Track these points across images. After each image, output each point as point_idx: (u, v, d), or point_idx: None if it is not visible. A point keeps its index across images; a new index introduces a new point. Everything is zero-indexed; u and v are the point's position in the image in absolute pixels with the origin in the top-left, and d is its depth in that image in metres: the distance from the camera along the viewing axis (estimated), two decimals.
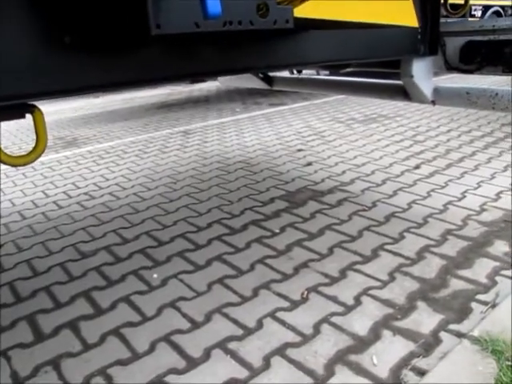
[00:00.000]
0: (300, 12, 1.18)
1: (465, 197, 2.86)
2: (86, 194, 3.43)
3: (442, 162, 3.56)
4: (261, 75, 3.17)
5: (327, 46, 1.67)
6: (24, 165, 1.40)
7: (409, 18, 1.53)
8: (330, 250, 2.33)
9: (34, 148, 1.36)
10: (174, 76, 1.36)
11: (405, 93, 2.43)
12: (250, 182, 3.41)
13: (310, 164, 3.75)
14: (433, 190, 3.00)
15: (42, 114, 1.34)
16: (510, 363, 1.30)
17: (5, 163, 1.34)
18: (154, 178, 3.71)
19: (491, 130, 4.43)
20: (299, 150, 4.18)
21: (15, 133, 5.88)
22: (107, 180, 3.74)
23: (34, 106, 1.32)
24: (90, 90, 1.30)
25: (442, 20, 2.21)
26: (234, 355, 1.65)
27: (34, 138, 1.31)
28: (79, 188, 3.58)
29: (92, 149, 4.83)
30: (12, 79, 1.02)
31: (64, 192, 3.50)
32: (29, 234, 2.78)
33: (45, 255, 2.48)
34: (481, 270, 2.07)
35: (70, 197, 3.39)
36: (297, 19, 1.19)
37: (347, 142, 4.33)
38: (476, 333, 1.49)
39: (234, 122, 5.67)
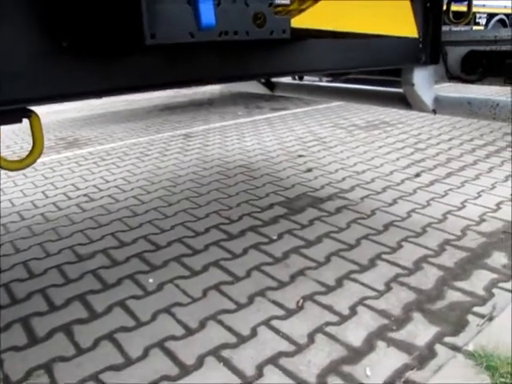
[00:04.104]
0: (297, 22, 1.17)
1: (464, 206, 2.85)
2: (85, 195, 3.44)
3: (443, 170, 3.55)
4: (262, 80, 3.17)
5: (326, 55, 1.67)
6: (20, 169, 1.40)
7: (408, 29, 1.53)
8: (327, 258, 2.32)
9: (30, 152, 1.36)
10: (170, 83, 1.35)
11: (406, 101, 2.42)
12: (249, 188, 3.41)
13: (310, 170, 3.74)
14: (432, 199, 2.99)
15: (38, 118, 1.34)
16: (504, 380, 1.29)
17: (2, 168, 1.34)
18: (153, 180, 3.71)
19: (493, 139, 4.42)
20: (300, 156, 4.17)
21: (17, 132, 5.89)
22: (107, 182, 3.74)
23: (31, 111, 1.32)
24: (86, 96, 1.31)
25: (446, 28, 2.20)
26: (226, 363, 1.64)
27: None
28: (79, 189, 3.58)
29: (93, 150, 4.83)
30: (10, 84, 1.02)
31: (64, 193, 3.50)
32: (27, 235, 2.78)
33: (42, 257, 2.48)
34: (478, 281, 2.05)
35: (70, 198, 3.40)
36: (294, 29, 1.19)
37: (348, 149, 4.32)
38: (471, 347, 1.48)
39: (235, 126, 5.67)
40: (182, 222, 2.85)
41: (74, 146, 5.06)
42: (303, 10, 1.18)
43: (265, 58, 1.48)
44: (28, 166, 1.38)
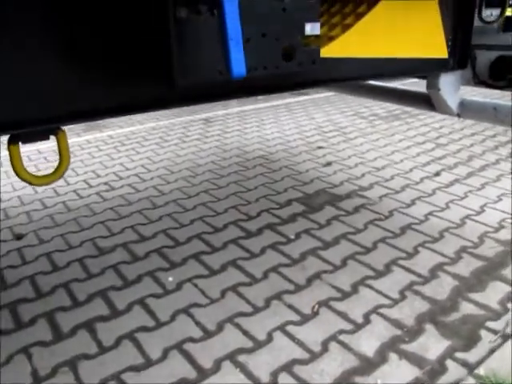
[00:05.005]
0: (326, 52, 1.17)
1: (484, 211, 2.83)
2: (105, 183, 3.50)
3: (464, 169, 3.51)
4: None
5: (354, 67, 1.66)
6: (47, 184, 1.45)
7: (438, 51, 1.50)
8: (344, 262, 2.35)
9: (58, 168, 1.40)
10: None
11: (430, 102, 2.40)
12: (268, 181, 3.43)
13: (329, 164, 3.73)
14: (452, 201, 2.97)
15: (65, 134, 1.38)
16: None
17: (29, 183, 1.39)
18: (173, 169, 3.75)
19: None
20: (319, 148, 4.16)
21: None
22: (127, 169, 3.79)
23: (59, 128, 1.35)
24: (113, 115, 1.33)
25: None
26: (243, 368, 1.70)
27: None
28: (99, 177, 3.65)
29: (113, 134, 4.88)
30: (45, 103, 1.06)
31: (84, 180, 3.57)
32: (49, 224, 2.86)
33: (64, 249, 2.55)
34: (493, 294, 2.06)
35: (91, 186, 3.46)
36: (324, 59, 1.19)
37: (368, 141, 4.28)
38: (482, 371, 1.51)
39: (255, 112, 5.65)
40: (200, 216, 2.90)
41: (94, 129, 5.10)
42: (333, 38, 1.17)
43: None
44: (55, 180, 1.42)
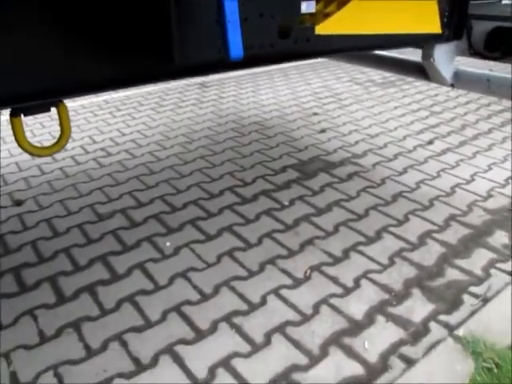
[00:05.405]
0: (322, 29, 1.19)
1: (473, 180, 2.89)
2: (102, 149, 3.52)
3: (456, 138, 3.55)
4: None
5: (347, 39, 1.68)
6: (49, 155, 1.49)
7: (432, 25, 1.51)
8: (336, 228, 2.43)
9: (59, 139, 1.45)
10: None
11: (424, 72, 2.42)
12: (263, 147, 3.46)
13: (324, 131, 3.76)
14: (443, 170, 3.03)
15: (66, 107, 1.41)
16: (486, 365, 1.43)
17: (31, 154, 1.43)
18: (169, 135, 3.76)
19: None
20: (315, 114, 4.17)
21: None
22: (123, 135, 3.81)
23: (60, 100, 1.38)
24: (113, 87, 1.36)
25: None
26: (238, 330, 1.80)
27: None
28: (96, 142, 3.66)
29: (109, 98, 4.84)
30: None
31: (81, 146, 3.59)
32: (48, 190, 2.90)
33: (64, 215, 2.61)
34: (478, 260, 2.16)
35: (87, 152, 3.48)
36: (319, 36, 1.21)
37: (363, 108, 4.30)
38: (461, 332, 1.61)
39: (251, 76, 5.60)
40: (197, 182, 2.95)
41: None
42: (328, 15, 1.19)
43: None
44: (57, 152, 1.47)
